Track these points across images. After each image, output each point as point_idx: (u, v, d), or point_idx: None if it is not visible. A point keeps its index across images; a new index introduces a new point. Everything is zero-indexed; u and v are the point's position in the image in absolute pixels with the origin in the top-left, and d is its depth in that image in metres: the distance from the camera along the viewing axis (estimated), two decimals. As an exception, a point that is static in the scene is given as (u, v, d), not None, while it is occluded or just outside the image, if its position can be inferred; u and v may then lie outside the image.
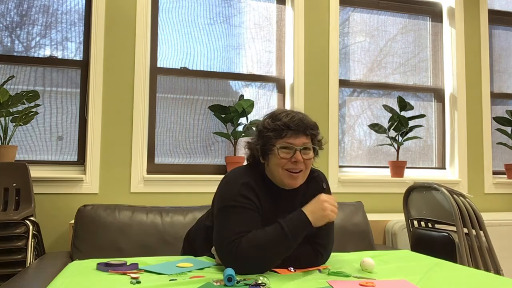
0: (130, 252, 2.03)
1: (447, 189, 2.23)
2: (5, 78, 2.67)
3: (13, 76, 2.57)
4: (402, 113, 3.26)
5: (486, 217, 2.84)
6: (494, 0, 3.75)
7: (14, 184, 2.33)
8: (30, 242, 2.09)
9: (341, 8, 3.36)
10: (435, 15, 3.61)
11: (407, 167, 3.37)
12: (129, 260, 1.51)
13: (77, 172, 2.74)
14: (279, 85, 3.18)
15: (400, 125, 3.20)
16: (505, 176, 3.58)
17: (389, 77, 3.47)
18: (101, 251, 2.02)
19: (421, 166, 3.48)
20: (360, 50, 3.41)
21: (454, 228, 2.19)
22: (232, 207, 1.42)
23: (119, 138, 2.74)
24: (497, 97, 3.68)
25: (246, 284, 1.20)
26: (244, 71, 3.13)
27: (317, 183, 1.60)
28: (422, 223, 2.47)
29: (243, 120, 2.98)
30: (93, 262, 1.51)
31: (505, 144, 3.49)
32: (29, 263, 2.06)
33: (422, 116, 3.23)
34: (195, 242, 1.70)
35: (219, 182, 1.56)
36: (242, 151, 2.88)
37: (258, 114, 3.11)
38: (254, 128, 1.59)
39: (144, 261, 1.52)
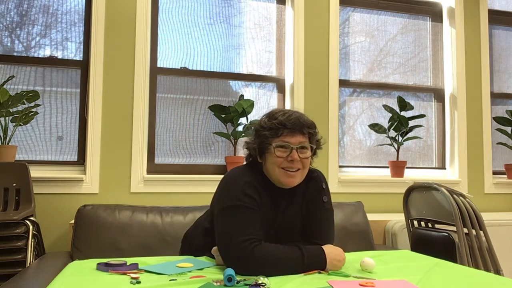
0: (130, 252, 2.03)
1: (447, 189, 2.23)
2: (5, 78, 2.67)
3: (13, 76, 2.57)
4: (402, 113, 3.26)
5: (486, 217, 2.84)
6: (494, 0, 3.75)
7: (14, 184, 2.33)
8: (30, 242, 2.09)
9: (341, 8, 3.36)
10: (435, 15, 3.61)
11: (407, 167, 3.37)
12: (129, 260, 1.51)
13: (77, 172, 2.74)
14: (279, 85, 3.18)
15: (400, 125, 3.20)
16: (505, 176, 3.58)
17: (389, 77, 3.47)
18: (101, 251, 2.02)
19: (421, 166, 3.48)
20: (360, 50, 3.41)
21: (454, 228, 2.19)
22: (237, 206, 1.41)
23: (119, 138, 2.74)
24: (497, 97, 3.68)
25: (246, 284, 1.20)
26: (244, 71, 3.13)
27: (316, 183, 1.59)
28: (422, 223, 2.47)
29: (243, 120, 2.98)
30: (93, 262, 1.51)
31: (505, 144, 3.49)
32: (29, 263, 2.06)
33: (422, 116, 3.23)
34: (193, 244, 1.69)
35: (219, 182, 1.56)
36: (242, 151, 2.88)
37: (258, 114, 3.10)
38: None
39: (144, 261, 1.52)
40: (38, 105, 2.59)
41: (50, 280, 1.50)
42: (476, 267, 2.11)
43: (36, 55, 2.78)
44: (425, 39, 3.59)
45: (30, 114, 2.57)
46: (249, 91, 3.14)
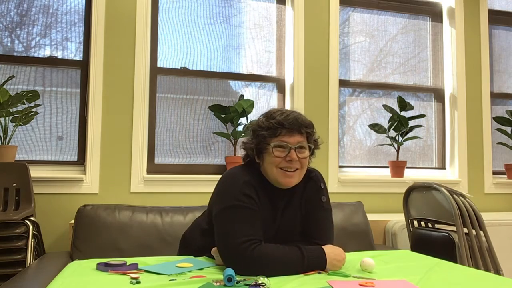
0: (130, 252, 2.03)
1: (447, 189, 2.23)
2: (5, 78, 2.67)
3: (13, 76, 2.57)
4: (402, 113, 3.26)
5: (486, 217, 2.84)
6: (494, 0, 3.75)
7: (14, 184, 2.33)
8: (30, 242, 2.09)
9: (341, 8, 3.36)
10: (435, 15, 3.61)
11: (407, 167, 3.37)
12: (129, 260, 1.51)
13: (77, 172, 2.74)
14: (279, 85, 3.18)
15: (400, 125, 3.20)
16: (505, 176, 3.58)
17: (389, 77, 3.47)
18: (101, 251, 2.02)
19: (421, 166, 3.48)
20: (360, 50, 3.41)
21: (454, 228, 2.19)
22: (236, 207, 1.40)
23: (119, 138, 2.74)
24: (497, 97, 3.68)
25: (246, 285, 1.20)
26: (244, 71, 3.13)
27: (315, 183, 1.59)
28: (422, 223, 2.47)
29: (243, 120, 2.98)
30: (93, 262, 1.51)
31: (505, 144, 3.49)
32: (29, 263, 2.06)
33: (422, 116, 3.23)
34: (191, 246, 1.68)
35: (217, 182, 1.55)
36: (241, 151, 2.88)
37: (258, 114, 3.10)
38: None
39: (144, 261, 1.52)
40: (38, 105, 2.59)
41: (50, 280, 1.50)
42: (476, 267, 2.11)
43: (36, 55, 2.78)
44: (425, 39, 3.59)
45: (30, 114, 2.57)
46: (249, 91, 3.14)
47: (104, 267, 1.39)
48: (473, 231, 2.15)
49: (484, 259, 2.13)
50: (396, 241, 2.68)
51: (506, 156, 3.67)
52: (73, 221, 2.32)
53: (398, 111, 3.25)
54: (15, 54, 2.75)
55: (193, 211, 2.25)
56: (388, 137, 3.29)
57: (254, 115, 3.07)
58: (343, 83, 3.32)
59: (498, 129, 3.50)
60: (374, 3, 3.45)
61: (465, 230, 2.14)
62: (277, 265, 1.34)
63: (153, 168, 2.88)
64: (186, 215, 2.21)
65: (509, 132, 3.47)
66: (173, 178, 2.80)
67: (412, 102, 3.47)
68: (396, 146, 3.29)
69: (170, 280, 1.25)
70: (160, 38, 2.97)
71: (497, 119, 3.47)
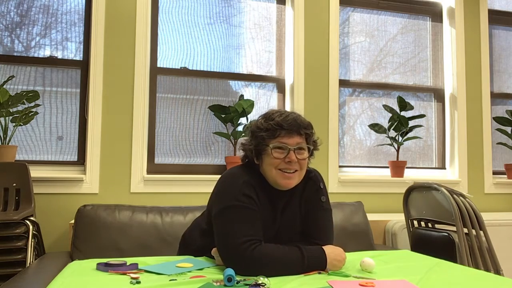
0: (130, 252, 2.03)
1: (447, 189, 2.23)
2: (5, 78, 2.67)
3: (13, 76, 2.57)
4: (402, 113, 3.26)
5: (486, 217, 2.84)
6: (494, 0, 3.75)
7: (14, 184, 2.33)
8: (30, 242, 2.09)
9: (341, 8, 3.36)
10: (435, 15, 3.61)
11: (407, 167, 3.37)
12: (129, 260, 1.51)
13: (77, 172, 2.74)
14: (279, 85, 3.18)
15: (400, 125, 3.20)
16: (505, 176, 3.58)
17: (389, 77, 3.47)
18: (101, 251, 2.02)
19: (421, 166, 3.48)
20: (360, 50, 3.41)
21: (454, 228, 2.19)
22: (235, 207, 1.40)
23: (119, 138, 2.74)
24: (497, 97, 3.68)
25: (246, 285, 1.20)
26: (244, 71, 3.13)
27: (314, 184, 1.58)
28: (422, 223, 2.47)
29: (243, 120, 2.98)
30: (93, 262, 1.51)
31: (505, 144, 3.49)
32: (29, 263, 2.06)
33: (422, 116, 3.23)
34: (191, 246, 1.68)
35: (216, 182, 1.55)
36: (240, 152, 2.88)
37: (258, 114, 3.09)
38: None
39: (144, 261, 1.52)
40: (38, 105, 2.59)
41: (50, 280, 1.50)
42: (476, 267, 2.11)
43: (36, 55, 2.78)
44: (425, 39, 3.59)
45: (30, 114, 2.57)
46: (249, 91, 3.14)
47: (104, 267, 1.39)
48: (473, 231, 2.15)
49: (484, 259, 2.13)
50: (396, 241, 2.68)
51: (506, 156, 3.67)
52: (73, 221, 2.32)
53: (398, 111, 3.25)
54: (15, 54, 2.75)
55: (193, 211, 2.25)
56: (388, 137, 3.29)
57: (254, 115, 3.07)
58: (343, 83, 3.32)
59: (498, 129, 3.50)
60: (374, 3, 3.45)
61: (465, 230, 2.14)
62: (277, 265, 1.34)
63: (153, 168, 2.88)
64: (186, 215, 2.21)
65: (509, 132, 3.47)
66: (173, 178, 2.80)
67: (412, 102, 3.47)
68: (396, 146, 3.29)
69: (170, 280, 1.25)
70: (160, 38, 2.97)
71: (497, 119, 3.47)
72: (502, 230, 2.76)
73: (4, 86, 2.51)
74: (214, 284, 1.20)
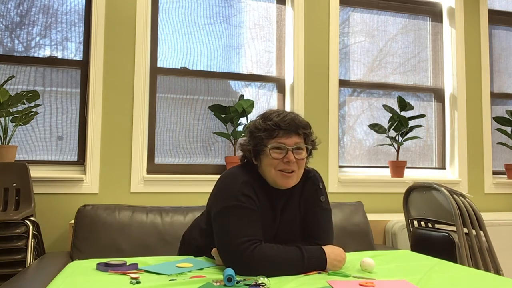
0: (130, 252, 2.03)
1: (447, 189, 2.23)
2: (5, 78, 2.67)
3: (13, 76, 2.57)
4: (402, 113, 3.26)
5: (486, 217, 2.84)
6: (494, 0, 3.75)
7: (14, 184, 2.33)
8: (30, 242, 2.09)
9: (341, 8, 3.36)
10: (435, 15, 3.61)
11: (407, 167, 3.37)
12: (129, 260, 1.51)
13: (77, 172, 2.74)
14: (279, 85, 3.18)
15: (400, 125, 3.20)
16: (505, 176, 3.58)
17: (389, 77, 3.47)
18: (101, 251, 2.02)
19: (421, 166, 3.48)
20: (360, 50, 3.41)
21: (454, 228, 2.19)
22: (234, 207, 1.40)
23: (119, 138, 2.74)
24: (497, 97, 3.68)
25: (246, 285, 1.20)
26: (244, 71, 3.13)
27: (313, 184, 1.58)
28: (422, 223, 2.47)
29: (243, 120, 2.98)
30: (92, 262, 1.51)
31: (505, 144, 3.49)
32: (29, 263, 2.06)
33: (422, 116, 3.23)
34: (191, 245, 1.68)
35: (216, 182, 1.55)
36: (239, 152, 2.89)
37: (258, 114, 3.07)
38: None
39: (144, 261, 1.52)
40: (38, 105, 2.59)
41: (50, 280, 1.50)
42: (476, 267, 2.11)
43: (36, 55, 2.78)
44: (425, 39, 3.59)
45: (30, 114, 2.57)
46: (249, 91, 3.14)
47: (104, 267, 1.39)
48: (473, 231, 2.15)
49: (484, 259, 2.13)
50: (396, 241, 2.68)
51: (506, 156, 3.67)
52: (73, 221, 2.32)
53: (398, 111, 3.25)
54: (15, 54, 2.75)
55: (193, 211, 2.25)
56: (388, 137, 3.29)
57: (254, 115, 3.07)
58: (343, 83, 3.32)
59: (498, 129, 3.50)
60: (374, 3, 3.45)
61: (465, 230, 2.14)
62: (277, 265, 1.34)
63: (153, 168, 2.88)
64: (186, 215, 2.21)
65: (509, 132, 3.47)
66: (173, 178, 2.80)
67: (412, 102, 3.47)
68: (396, 146, 3.29)
69: (170, 280, 1.25)
70: (160, 38, 2.97)
71: (497, 119, 3.47)
72: (502, 230, 2.76)
73: (4, 86, 2.51)
74: (214, 284, 1.20)
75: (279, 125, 1.45)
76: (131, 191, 2.74)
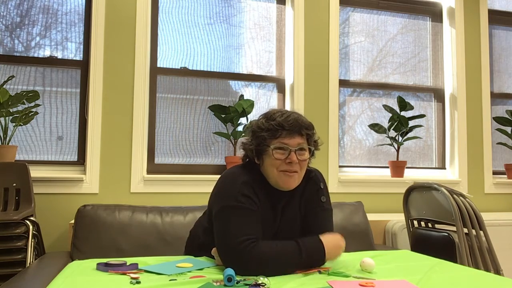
0: (130, 252, 2.03)
1: (447, 189, 2.23)
2: (5, 78, 2.67)
3: (13, 76, 2.57)
4: (402, 113, 3.26)
5: (486, 217, 2.84)
6: (494, 0, 3.75)
7: (14, 184, 2.33)
8: (30, 242, 2.09)
9: (341, 8, 3.36)
10: (435, 15, 3.61)
11: (407, 167, 3.37)
12: (129, 260, 1.51)
13: (77, 172, 2.74)
14: (279, 85, 3.18)
15: (400, 125, 3.20)
16: (505, 176, 3.58)
17: (389, 77, 3.47)
18: (101, 251, 2.02)
19: (421, 166, 3.48)
20: (360, 50, 3.41)
21: (454, 228, 2.19)
22: (234, 207, 1.40)
23: (119, 138, 2.74)
24: (497, 97, 3.68)
25: (246, 285, 1.20)
26: (244, 71, 3.13)
27: (315, 184, 1.58)
28: (422, 223, 2.47)
29: (243, 120, 2.98)
30: (92, 262, 1.51)
31: (505, 144, 3.49)
32: (29, 263, 2.06)
33: (422, 116, 3.23)
34: (195, 242, 1.70)
35: (216, 181, 1.55)
36: (240, 152, 2.89)
37: (258, 114, 3.09)
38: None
39: (144, 261, 1.52)
40: (38, 105, 2.59)
41: (50, 280, 1.50)
42: (476, 267, 2.11)
43: (36, 55, 2.78)
44: (425, 39, 3.59)
45: (30, 114, 2.57)
46: (249, 91, 3.14)
47: (104, 267, 1.39)
48: (473, 231, 2.15)
49: (484, 259, 2.13)
50: (396, 241, 2.68)
51: (506, 156, 3.67)
52: (73, 221, 2.32)
53: (398, 111, 3.25)
54: (15, 54, 2.75)
55: (193, 211, 2.25)
56: (388, 137, 3.29)
57: (254, 115, 3.07)
58: (343, 83, 3.32)
59: (498, 129, 3.50)
60: (374, 3, 3.45)
61: (465, 230, 2.14)
62: (276, 261, 1.34)
63: (153, 168, 2.88)
64: (186, 215, 2.21)
65: (509, 132, 3.47)
66: (173, 178, 2.80)
67: (412, 102, 3.47)
68: (396, 146, 3.29)
69: (170, 280, 1.25)
70: (160, 38, 2.97)
71: (497, 119, 3.47)
72: (502, 230, 2.76)
73: (4, 86, 2.51)
74: (214, 284, 1.20)
75: (282, 125, 1.44)
76: (131, 191, 2.74)
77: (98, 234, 2.05)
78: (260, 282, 1.21)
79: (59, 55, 2.81)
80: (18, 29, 2.76)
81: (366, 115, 3.40)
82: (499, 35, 3.74)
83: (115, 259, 1.50)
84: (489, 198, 3.45)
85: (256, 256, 1.32)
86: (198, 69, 3.04)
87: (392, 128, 3.24)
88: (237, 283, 1.22)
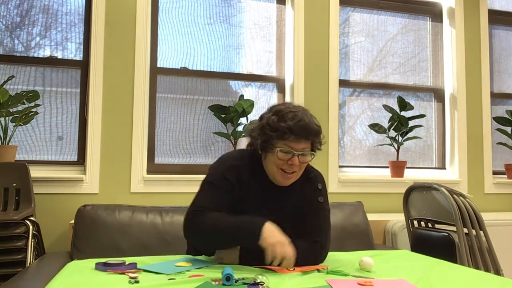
0: (130, 252, 2.03)
1: (447, 189, 2.22)
2: (5, 78, 2.67)
3: (13, 76, 2.57)
4: (402, 113, 3.25)
5: (486, 217, 2.84)
6: (494, 0, 3.75)
7: (14, 184, 2.33)
8: (30, 242, 2.09)
9: (341, 8, 3.36)
10: (435, 15, 3.61)
11: (407, 167, 3.37)
12: (128, 260, 1.51)
13: (77, 172, 2.74)
14: (279, 85, 3.18)
15: (400, 125, 3.19)
16: (505, 176, 3.57)
17: (389, 77, 3.47)
18: (101, 251, 2.02)
19: (421, 166, 3.48)
20: (360, 50, 3.41)
21: (454, 228, 2.19)
22: (208, 182, 1.53)
23: (119, 138, 2.75)
24: (497, 97, 3.68)
25: (245, 283, 1.20)
26: (244, 71, 3.13)
27: (312, 184, 1.61)
28: (422, 223, 2.47)
29: (243, 120, 2.98)
30: (91, 262, 1.51)
31: (505, 144, 3.49)
32: (29, 263, 2.06)
33: (422, 116, 3.22)
34: None
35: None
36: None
37: (258, 114, 3.09)
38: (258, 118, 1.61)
39: (142, 261, 1.52)
40: (38, 105, 2.60)
41: (50, 280, 1.50)
42: (476, 267, 2.11)
43: (36, 55, 2.79)
44: (425, 39, 3.59)
45: (30, 114, 2.58)
46: (249, 91, 3.14)
47: (103, 267, 1.39)
48: (473, 231, 2.14)
49: (484, 259, 2.12)
50: (396, 241, 2.68)
51: (506, 156, 3.67)
52: (73, 221, 2.32)
53: (398, 111, 3.25)
54: (15, 54, 2.75)
55: (193, 211, 2.24)
56: (388, 137, 3.29)
57: (254, 115, 3.07)
58: (343, 83, 3.32)
59: (498, 129, 3.50)
60: (374, 3, 3.45)
61: (465, 230, 2.14)
62: (210, 228, 1.43)
63: (153, 168, 2.88)
64: (185, 215, 2.21)
65: (509, 132, 3.46)
66: (173, 178, 2.80)
67: (412, 102, 3.46)
68: (396, 146, 3.29)
69: (169, 279, 1.25)
70: (160, 38, 2.97)
71: (497, 119, 3.47)
72: (502, 230, 2.76)
73: (4, 86, 2.51)
74: (213, 283, 1.20)
75: (291, 129, 1.46)
76: (131, 191, 2.74)
77: (98, 234, 2.05)
78: (258, 281, 1.21)
79: (59, 55, 2.82)
80: (18, 29, 2.77)
81: (366, 115, 3.40)
82: (499, 35, 3.74)
83: (113, 259, 1.50)
84: (489, 198, 3.44)
85: (195, 222, 1.44)
86: (198, 69, 3.04)
87: (392, 128, 3.24)
88: (235, 282, 1.22)
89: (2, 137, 2.54)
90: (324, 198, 1.61)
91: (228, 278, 1.20)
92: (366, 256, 1.46)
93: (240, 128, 2.97)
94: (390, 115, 3.26)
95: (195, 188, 2.82)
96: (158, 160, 2.92)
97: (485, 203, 3.43)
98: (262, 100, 3.16)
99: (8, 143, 2.55)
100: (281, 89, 3.18)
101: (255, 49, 3.16)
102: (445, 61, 3.55)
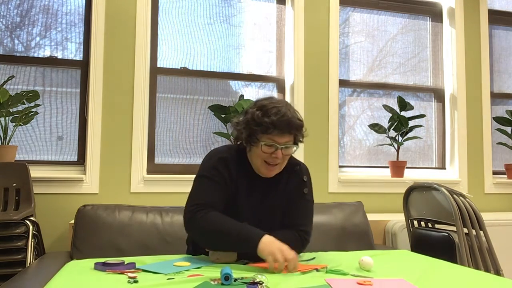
0: (130, 252, 2.03)
1: (447, 189, 2.22)
2: (5, 78, 2.67)
3: (13, 76, 2.57)
4: (402, 113, 3.25)
5: (486, 217, 2.84)
6: (494, 0, 3.75)
7: (14, 184, 2.33)
8: (30, 242, 2.09)
9: (341, 8, 3.36)
10: (435, 15, 3.61)
11: (407, 167, 3.37)
12: (127, 260, 1.51)
13: (77, 172, 2.75)
14: (279, 85, 3.18)
15: (400, 125, 3.19)
16: (505, 176, 3.57)
17: (389, 77, 3.47)
18: (101, 251, 2.02)
19: (421, 166, 3.47)
20: (360, 50, 3.41)
21: (454, 228, 2.19)
22: (201, 176, 1.59)
23: (119, 138, 2.75)
24: (497, 97, 3.68)
25: (244, 283, 1.20)
26: (244, 71, 3.13)
27: (298, 176, 1.69)
28: (422, 223, 2.47)
29: (243, 120, 2.97)
30: (90, 262, 1.51)
31: (505, 144, 3.49)
32: (29, 263, 2.06)
33: (422, 116, 3.22)
34: (194, 242, 1.74)
35: None
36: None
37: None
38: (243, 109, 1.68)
39: (141, 261, 1.52)
40: (38, 105, 2.60)
41: (50, 280, 1.50)
42: (476, 267, 2.11)
43: (36, 55, 2.79)
44: (425, 39, 3.58)
45: (30, 114, 2.58)
46: (249, 91, 3.14)
47: (102, 267, 1.40)
48: (473, 231, 2.14)
49: (484, 259, 2.12)
50: (396, 241, 2.68)
51: (506, 156, 3.67)
52: (73, 221, 2.32)
53: (398, 111, 3.25)
54: (15, 54, 2.75)
55: (193, 211, 2.24)
56: (388, 137, 3.29)
57: (254, 115, 3.07)
58: (343, 83, 3.32)
59: (498, 129, 3.50)
60: (374, 3, 3.45)
61: (465, 230, 2.14)
62: (213, 232, 1.46)
63: (153, 168, 2.88)
64: (185, 215, 2.21)
65: (509, 132, 3.46)
66: (173, 178, 2.80)
67: (412, 102, 3.46)
68: (396, 146, 3.29)
69: (168, 279, 1.25)
70: (160, 38, 2.97)
71: (497, 119, 3.47)
72: (502, 230, 2.76)
73: (4, 86, 2.51)
74: (212, 283, 1.20)
75: (275, 124, 1.52)
76: (131, 191, 2.74)
77: (98, 234, 2.05)
78: (258, 280, 1.21)
79: (59, 55, 2.82)
80: (18, 29, 2.77)
81: (366, 115, 3.40)
82: (499, 35, 3.73)
83: (112, 259, 1.50)
84: (489, 198, 3.44)
85: (199, 221, 1.47)
86: (198, 69, 3.04)
87: (392, 128, 3.24)
88: (234, 281, 1.22)
89: (2, 137, 2.54)
90: (309, 190, 1.70)
91: (227, 277, 1.20)
92: (365, 256, 1.46)
93: (240, 128, 2.97)
94: (390, 115, 3.26)
95: (195, 188, 2.83)
96: (158, 160, 2.92)
97: (485, 203, 3.42)
98: (262, 100, 3.15)
99: (8, 143, 2.55)
100: (281, 89, 3.18)
101: (255, 49, 3.17)
102: (445, 61, 3.55)
